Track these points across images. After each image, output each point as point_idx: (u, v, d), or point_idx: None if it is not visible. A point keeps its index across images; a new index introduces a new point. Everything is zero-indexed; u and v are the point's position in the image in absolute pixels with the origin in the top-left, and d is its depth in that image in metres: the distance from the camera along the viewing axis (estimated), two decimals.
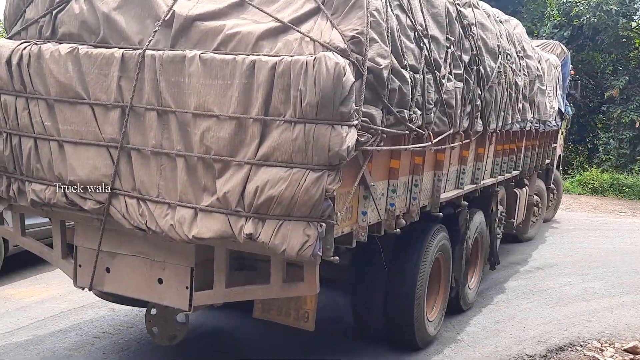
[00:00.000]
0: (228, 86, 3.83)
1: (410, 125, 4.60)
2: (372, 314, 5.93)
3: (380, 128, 4.13)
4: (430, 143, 5.08)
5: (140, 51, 4.09)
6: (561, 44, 12.52)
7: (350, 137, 3.67)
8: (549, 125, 10.64)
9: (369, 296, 5.89)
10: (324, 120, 3.63)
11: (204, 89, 3.89)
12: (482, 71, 6.36)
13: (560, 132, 13.15)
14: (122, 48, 4.21)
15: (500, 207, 8.99)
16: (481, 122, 6.63)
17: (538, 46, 12.12)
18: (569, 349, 6.70)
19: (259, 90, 3.74)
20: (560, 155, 13.89)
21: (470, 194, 7.05)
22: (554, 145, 12.39)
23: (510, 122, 7.84)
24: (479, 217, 7.63)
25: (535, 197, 11.78)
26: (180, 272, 4.31)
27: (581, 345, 6.78)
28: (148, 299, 4.53)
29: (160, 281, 4.39)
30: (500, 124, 7.41)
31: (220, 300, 4.36)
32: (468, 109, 6.12)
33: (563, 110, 11.96)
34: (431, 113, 5.06)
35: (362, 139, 3.90)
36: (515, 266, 10.09)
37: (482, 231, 7.84)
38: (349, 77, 3.62)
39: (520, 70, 8.17)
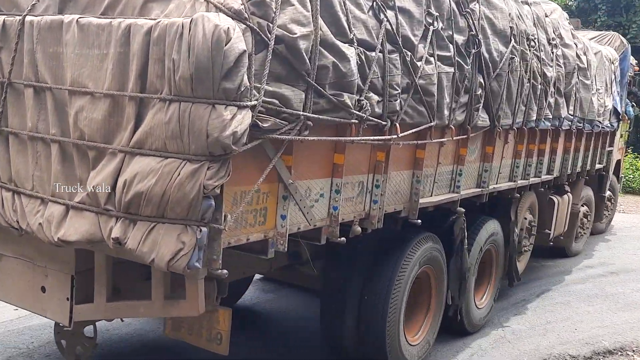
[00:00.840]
0: (104, 56, 3.14)
1: (357, 112, 3.78)
2: (343, 332, 5.13)
3: (302, 113, 3.33)
4: (395, 136, 4.24)
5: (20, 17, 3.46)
6: (620, 36, 11.19)
7: (239, 120, 2.89)
8: (598, 126, 9.44)
9: (339, 311, 5.10)
10: (202, 98, 2.87)
11: (79, 61, 3.22)
12: (486, 56, 5.43)
13: (619, 135, 11.81)
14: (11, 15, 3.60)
15: (528, 216, 7.95)
16: (486, 116, 5.69)
17: (593, 38, 10.91)
18: (619, 353, 6.62)
19: (134, 61, 3.04)
20: (619, 160, 12.51)
21: (476, 199, 6.11)
22: (609, 149, 11.10)
23: (535, 118, 6.82)
24: (492, 227, 6.66)
25: (583, 207, 10.55)
26: (61, 280, 3.66)
27: (633, 351, 6.61)
28: (31, 310, 3.91)
29: (43, 290, 3.75)
30: (519, 119, 6.43)
31: (100, 316, 3.69)
32: (464, 99, 5.21)
33: (620, 109, 10.67)
34: (397, 100, 4.21)
35: (266, 125, 3.12)
36: (586, 269, 10.01)
37: (496, 242, 6.86)
38: (236, 44, 2.84)
39: (552, 60, 7.13)
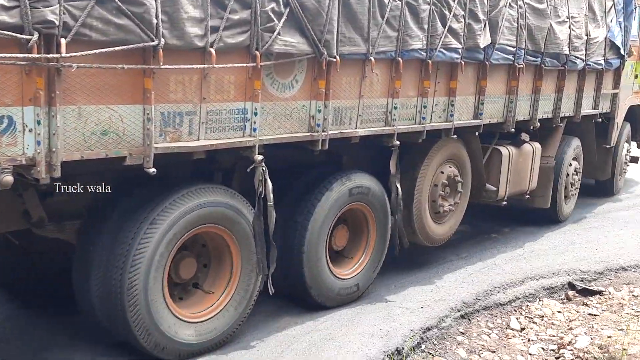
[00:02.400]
0: None
1: None
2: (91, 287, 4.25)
3: None
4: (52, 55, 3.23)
5: None
6: None
7: None
8: (574, 62, 7.81)
9: (88, 266, 4.24)
10: None
11: None
12: None
13: (630, 74, 9.94)
14: None
15: (448, 170, 6.62)
16: (300, 40, 4.49)
17: None
18: (633, 270, 7.04)
19: None
20: (636, 106, 10.58)
21: (309, 145, 4.94)
22: (612, 91, 9.32)
23: (419, 47, 5.51)
24: (356, 181, 5.48)
25: (572, 162, 8.92)
26: None
27: None
28: None
29: None
30: (385, 48, 5.19)
31: None
32: (239, 15, 4.06)
33: (620, 43, 8.84)
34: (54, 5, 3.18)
35: None
36: (635, 198, 10.46)
37: (373, 199, 5.67)
38: None
39: None
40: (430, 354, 5.09)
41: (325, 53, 4.66)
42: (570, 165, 8.86)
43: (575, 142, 8.94)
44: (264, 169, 4.47)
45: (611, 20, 8.59)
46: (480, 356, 5.14)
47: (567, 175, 8.80)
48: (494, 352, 5.21)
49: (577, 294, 6.55)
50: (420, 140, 5.95)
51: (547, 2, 7.02)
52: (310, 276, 5.25)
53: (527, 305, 6.20)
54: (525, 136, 7.65)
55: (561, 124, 8.19)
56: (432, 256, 7.16)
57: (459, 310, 5.86)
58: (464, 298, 6.07)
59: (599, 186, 10.53)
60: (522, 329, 5.71)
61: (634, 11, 9.14)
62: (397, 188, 5.74)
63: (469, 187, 7.07)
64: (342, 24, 4.77)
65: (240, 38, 4.13)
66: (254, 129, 4.41)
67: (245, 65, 4.22)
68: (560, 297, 6.49)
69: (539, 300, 6.33)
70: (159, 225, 4.10)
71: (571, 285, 6.69)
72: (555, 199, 8.58)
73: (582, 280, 6.79)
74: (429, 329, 5.41)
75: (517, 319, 5.88)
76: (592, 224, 8.68)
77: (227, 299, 4.66)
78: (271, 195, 4.53)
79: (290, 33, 4.42)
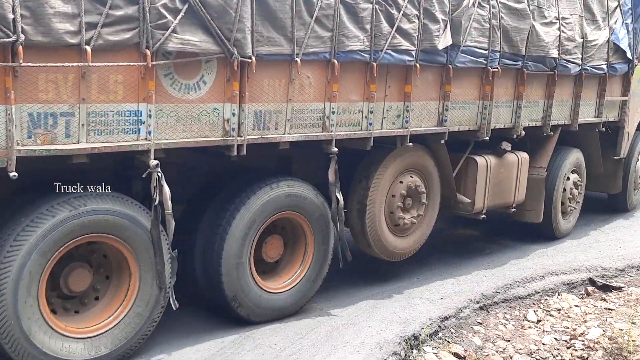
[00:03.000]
0: None
1: None
2: None
3: None
4: None
5: None
6: None
7: None
8: (566, 67, 7.27)
9: None
10: None
11: None
12: None
13: None
14: None
15: (408, 179, 6.21)
16: (206, 38, 4.20)
17: None
18: None
19: None
20: None
21: (223, 150, 4.64)
22: (620, 98, 8.67)
23: (360, 48, 5.15)
24: (292, 189, 5.16)
25: (570, 175, 8.30)
26: None
27: None
28: None
29: None
30: (317, 49, 4.89)
31: None
32: (122, 11, 3.80)
33: (628, 47, 8.20)
34: None
35: None
36: None
37: (310, 208, 5.33)
38: None
39: None
40: (447, 341, 5.30)
41: (236, 53, 4.35)
42: (568, 178, 8.24)
43: (574, 154, 8.31)
44: (159, 174, 4.17)
45: (615, 22, 7.97)
46: (494, 344, 5.33)
47: (565, 189, 8.19)
48: (509, 341, 5.42)
49: (596, 290, 6.74)
50: (368, 147, 5.56)
51: (527, 2, 6.51)
52: (231, 287, 4.94)
53: (546, 299, 6.39)
54: (506, 145, 7.11)
55: (552, 133, 7.60)
56: (456, 252, 7.55)
57: (477, 302, 6.05)
58: (483, 291, 6.28)
59: (610, 201, 9.82)
60: (539, 320, 5.92)
61: None
62: (337, 198, 5.36)
63: (436, 198, 6.62)
64: (258, 22, 4.46)
65: (125, 35, 3.87)
66: (149, 132, 4.13)
67: (133, 64, 3.95)
68: (580, 293, 6.68)
69: (558, 295, 6.53)
70: (28, 236, 3.84)
71: (591, 282, 6.86)
72: (548, 213, 8.00)
73: (603, 277, 6.94)
74: (447, 318, 5.63)
75: (534, 311, 6.09)
76: (620, 223, 8.88)
77: (125, 312, 4.39)
78: (169, 203, 4.23)
79: (191, 31, 4.13)
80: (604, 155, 8.95)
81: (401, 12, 5.33)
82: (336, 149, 5.25)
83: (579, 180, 8.48)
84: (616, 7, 7.96)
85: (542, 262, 7.23)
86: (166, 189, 4.21)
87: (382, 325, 5.26)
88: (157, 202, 4.18)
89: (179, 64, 4.20)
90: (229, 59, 4.36)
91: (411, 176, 6.26)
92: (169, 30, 3.99)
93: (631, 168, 9.55)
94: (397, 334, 5.12)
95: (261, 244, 5.25)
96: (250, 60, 4.45)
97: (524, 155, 7.45)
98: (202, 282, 5.10)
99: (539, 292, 6.47)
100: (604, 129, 8.53)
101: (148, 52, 3.95)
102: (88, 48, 3.70)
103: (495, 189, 7.11)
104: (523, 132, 7.16)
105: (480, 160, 6.85)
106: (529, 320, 5.88)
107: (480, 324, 5.71)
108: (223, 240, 4.87)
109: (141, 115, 4.09)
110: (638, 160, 9.70)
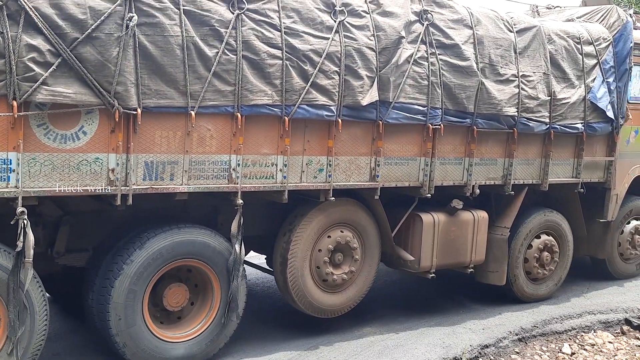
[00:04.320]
0: None
1: None
2: None
3: None
4: None
5: None
6: (620, 10, 8.05)
7: None
8: (528, 125, 7.03)
9: None
10: None
11: None
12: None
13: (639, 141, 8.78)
14: None
15: (338, 235, 6.09)
16: (84, 90, 4.30)
17: (585, 14, 8.23)
18: None
19: None
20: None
21: (110, 199, 4.69)
22: (605, 159, 8.27)
23: (266, 103, 5.14)
24: (190, 237, 5.15)
25: (545, 237, 7.89)
26: None
27: None
28: None
29: None
30: (217, 102, 4.95)
31: None
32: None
33: (607, 106, 7.82)
34: None
35: None
36: None
37: (216, 258, 5.30)
38: None
39: (324, 29, 5.36)
40: None
41: (117, 104, 4.42)
42: (531, 242, 7.78)
43: (543, 215, 7.87)
44: (25, 221, 4.25)
45: (593, 80, 7.64)
46: None
47: (528, 257, 7.72)
48: None
49: (631, 329, 7.20)
50: (284, 200, 5.50)
51: (475, 60, 6.34)
52: (120, 333, 4.94)
53: (582, 335, 6.97)
54: (457, 203, 6.85)
55: (512, 192, 7.28)
56: (499, 289, 7.78)
57: (516, 334, 6.77)
58: (522, 324, 7.02)
59: (595, 265, 9.21)
60: (573, 353, 6.46)
61: (629, 71, 8.03)
62: (236, 250, 5.31)
63: (374, 255, 6.46)
64: (144, 75, 4.53)
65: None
66: (18, 180, 4.23)
67: (1, 114, 4.06)
68: (616, 331, 7.18)
69: (594, 332, 7.08)
70: None
71: (627, 322, 7.31)
72: (511, 277, 7.60)
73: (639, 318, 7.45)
74: (487, 347, 6.37)
75: (569, 345, 6.67)
76: None
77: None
78: (31, 251, 4.29)
79: (66, 83, 4.24)
80: (591, 218, 8.51)
81: (317, 69, 5.31)
82: (241, 201, 5.21)
83: (552, 244, 8.01)
84: (595, 65, 7.64)
85: (580, 301, 7.94)
86: (30, 236, 4.27)
87: (427, 348, 6.14)
88: (19, 248, 4.25)
89: (55, 115, 4.30)
90: (110, 110, 4.43)
91: (341, 231, 6.14)
92: (37, 82, 4.10)
93: (622, 233, 9.03)
94: (440, 355, 5.97)
95: (163, 292, 5.24)
96: (135, 112, 4.51)
97: (482, 214, 7.17)
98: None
99: (575, 329, 7.09)
100: (582, 190, 8.11)
101: (15, 104, 4.07)
102: None
103: (446, 248, 6.87)
104: (477, 191, 6.91)
105: (426, 217, 6.65)
106: (563, 353, 6.45)
107: (518, 353, 6.39)
108: (111, 287, 4.89)
109: (10, 164, 4.20)
110: (630, 224, 9.14)
